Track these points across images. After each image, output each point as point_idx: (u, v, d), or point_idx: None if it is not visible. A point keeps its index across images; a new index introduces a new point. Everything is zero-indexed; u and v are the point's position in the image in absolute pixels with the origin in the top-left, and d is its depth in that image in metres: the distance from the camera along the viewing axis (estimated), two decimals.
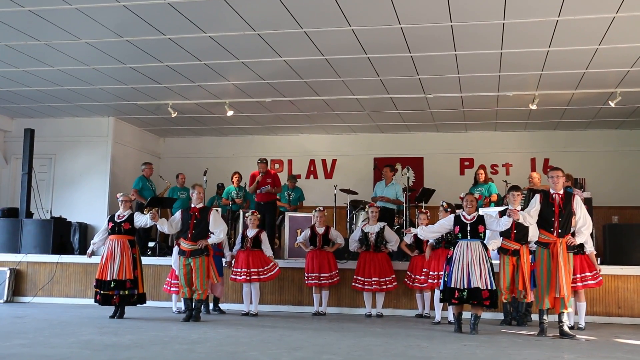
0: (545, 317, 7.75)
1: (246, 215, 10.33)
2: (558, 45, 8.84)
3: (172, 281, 9.85)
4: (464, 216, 7.95)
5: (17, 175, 13.19)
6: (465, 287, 7.65)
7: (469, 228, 7.85)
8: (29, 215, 12.52)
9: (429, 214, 9.81)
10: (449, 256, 7.99)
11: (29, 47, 9.32)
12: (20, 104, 12.73)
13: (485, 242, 7.97)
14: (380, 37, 8.69)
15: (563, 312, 7.62)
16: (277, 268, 9.93)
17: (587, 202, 9.73)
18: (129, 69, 10.30)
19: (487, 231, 8.00)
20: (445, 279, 7.89)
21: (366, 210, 10.57)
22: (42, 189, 13.49)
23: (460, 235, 7.89)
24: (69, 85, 11.34)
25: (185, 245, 8.78)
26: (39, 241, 12.09)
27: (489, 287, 7.64)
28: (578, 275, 8.58)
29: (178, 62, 9.92)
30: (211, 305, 10.30)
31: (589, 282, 8.73)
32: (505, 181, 12.64)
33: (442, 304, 8.87)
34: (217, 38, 8.83)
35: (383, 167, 12.40)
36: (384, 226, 10.05)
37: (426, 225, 8.93)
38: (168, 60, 9.86)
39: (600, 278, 8.82)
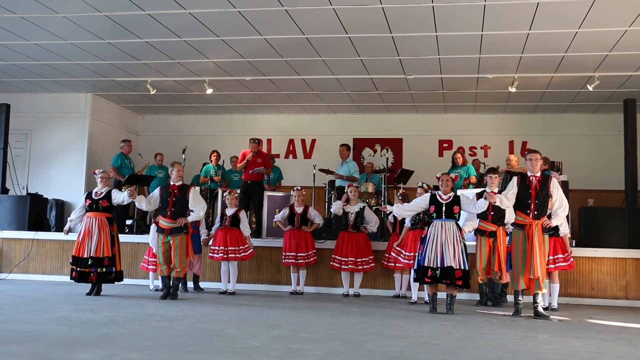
0: (520, 297, 7.86)
1: (224, 194, 10.31)
2: (538, 28, 8.88)
3: (150, 259, 9.83)
4: (440, 196, 7.99)
5: None
6: (438, 266, 7.72)
7: (444, 208, 7.89)
8: (5, 191, 12.39)
9: (399, 193, 9.89)
10: (423, 235, 8.05)
11: (4, 19, 9.15)
12: None
13: (460, 222, 8.03)
14: (361, 17, 8.66)
15: (538, 293, 7.72)
16: (251, 250, 9.95)
17: (563, 185, 9.81)
18: (107, 45, 10.17)
19: (462, 212, 8.07)
20: (419, 258, 7.95)
21: (346, 190, 10.58)
22: (18, 165, 13.34)
23: (435, 215, 7.94)
24: (45, 60, 11.17)
25: (164, 223, 8.74)
26: (15, 217, 11.99)
27: (462, 267, 7.71)
28: (551, 257, 8.70)
29: (157, 39, 9.81)
30: (190, 284, 10.30)
31: (561, 264, 8.86)
32: (484, 163, 12.72)
33: (418, 284, 8.92)
34: (197, 15, 8.74)
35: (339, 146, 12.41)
36: (364, 207, 10.09)
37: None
38: (147, 37, 9.75)
39: (572, 260, 8.95)
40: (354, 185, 10.63)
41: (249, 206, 11.63)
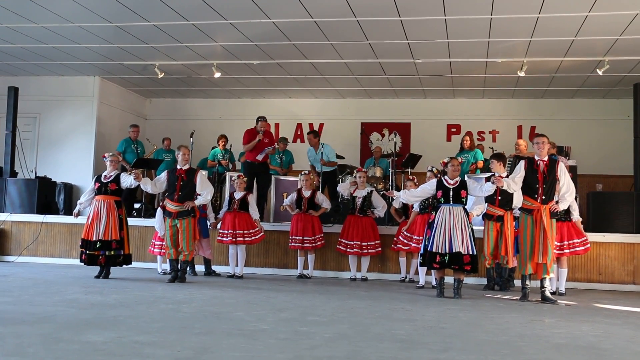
0: (527, 282, 7.86)
1: (232, 178, 10.30)
2: (548, 12, 8.80)
3: (157, 242, 9.87)
4: (446, 181, 7.98)
5: (1, 134, 13.03)
6: (447, 251, 7.71)
7: (451, 193, 7.88)
8: (13, 174, 12.44)
9: (416, 179, 9.84)
10: (430, 220, 8.04)
11: (12, 1, 9.13)
12: (3, 61, 12.52)
13: (467, 207, 8.02)
14: (370, 0, 8.60)
15: (545, 278, 7.72)
16: (262, 234, 9.96)
17: (572, 170, 9.80)
18: (115, 28, 10.15)
19: (470, 196, 8.05)
20: (426, 243, 7.95)
21: (354, 175, 10.58)
22: (27, 148, 13.38)
23: (442, 199, 7.93)
24: (53, 43, 11.17)
25: (171, 206, 8.77)
26: (24, 200, 12.05)
27: (470, 252, 7.71)
28: (565, 243, 8.71)
29: (165, 22, 9.78)
30: (198, 268, 10.31)
31: (577, 248, 8.87)
32: (492, 148, 12.68)
33: (426, 268, 8.92)
34: None
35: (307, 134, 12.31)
36: (371, 191, 10.08)
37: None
38: (155, 20, 9.72)
39: (588, 245, 8.96)
40: (363, 170, 10.60)
41: (252, 188, 11.28)
